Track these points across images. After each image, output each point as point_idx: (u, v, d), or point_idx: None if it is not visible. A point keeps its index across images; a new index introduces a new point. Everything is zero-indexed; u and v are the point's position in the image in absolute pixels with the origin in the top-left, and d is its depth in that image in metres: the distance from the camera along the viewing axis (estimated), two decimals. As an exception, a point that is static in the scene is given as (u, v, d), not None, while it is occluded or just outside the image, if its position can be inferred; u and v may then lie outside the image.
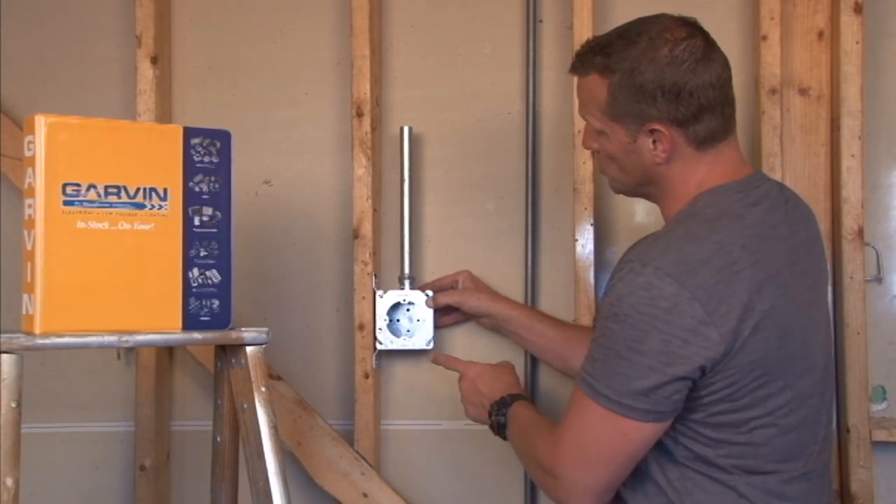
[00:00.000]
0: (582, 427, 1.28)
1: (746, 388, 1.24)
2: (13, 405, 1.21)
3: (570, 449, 1.29)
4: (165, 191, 1.35)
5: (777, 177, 1.71)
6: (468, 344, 1.85)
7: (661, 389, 1.21)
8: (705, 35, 1.32)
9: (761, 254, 1.25)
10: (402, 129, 1.82)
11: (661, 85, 1.28)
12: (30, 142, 1.27)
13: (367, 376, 1.79)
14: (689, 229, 1.28)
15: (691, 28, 1.32)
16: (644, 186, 1.39)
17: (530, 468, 1.42)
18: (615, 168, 1.40)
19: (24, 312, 1.29)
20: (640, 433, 1.24)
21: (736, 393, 1.24)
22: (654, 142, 1.32)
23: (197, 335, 1.36)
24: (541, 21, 1.86)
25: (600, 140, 1.38)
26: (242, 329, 1.39)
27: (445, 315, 1.82)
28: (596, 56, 1.33)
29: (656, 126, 1.30)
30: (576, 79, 1.41)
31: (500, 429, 1.50)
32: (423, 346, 1.80)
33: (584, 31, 1.74)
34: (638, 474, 1.32)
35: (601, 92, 1.33)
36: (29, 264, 1.28)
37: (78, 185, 1.28)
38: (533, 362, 1.83)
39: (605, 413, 1.24)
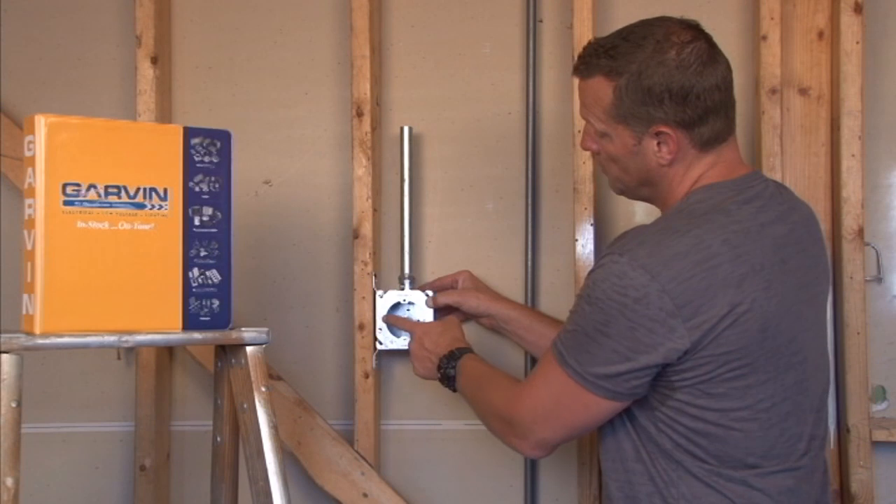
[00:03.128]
0: (548, 388, 1.34)
1: (721, 378, 1.26)
2: (13, 405, 1.21)
3: (532, 404, 1.35)
4: (165, 191, 1.35)
5: (777, 177, 1.71)
6: (468, 344, 1.85)
7: (622, 375, 1.26)
8: (708, 38, 1.34)
9: (744, 249, 1.26)
10: (402, 129, 1.82)
11: (668, 88, 1.29)
12: (30, 142, 1.27)
13: (367, 376, 1.80)
14: (672, 223, 1.30)
15: (695, 31, 1.33)
16: (644, 187, 1.40)
17: (484, 415, 1.48)
18: (617, 169, 1.40)
19: (24, 312, 1.29)
20: (598, 407, 1.30)
21: (709, 381, 1.26)
22: (658, 143, 1.33)
23: (197, 335, 1.36)
24: (541, 21, 1.86)
25: (601, 141, 1.39)
26: (242, 329, 1.39)
27: (445, 315, 1.82)
28: (601, 59, 1.33)
29: (662, 128, 1.31)
30: (577, 80, 1.41)
31: (449, 381, 1.59)
32: (423, 346, 1.80)
33: (584, 31, 1.74)
34: (627, 462, 1.35)
35: (606, 94, 1.33)
36: (29, 264, 1.28)
37: (78, 185, 1.28)
38: (533, 362, 1.82)
39: (570, 382, 1.30)
